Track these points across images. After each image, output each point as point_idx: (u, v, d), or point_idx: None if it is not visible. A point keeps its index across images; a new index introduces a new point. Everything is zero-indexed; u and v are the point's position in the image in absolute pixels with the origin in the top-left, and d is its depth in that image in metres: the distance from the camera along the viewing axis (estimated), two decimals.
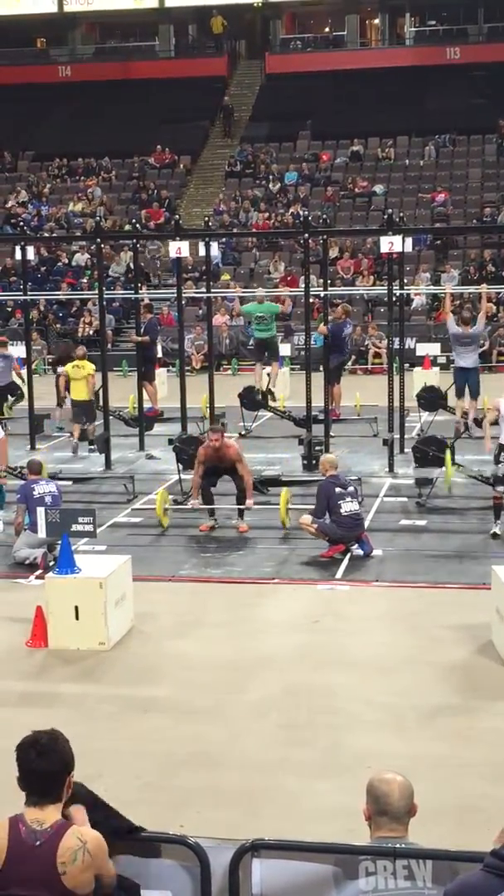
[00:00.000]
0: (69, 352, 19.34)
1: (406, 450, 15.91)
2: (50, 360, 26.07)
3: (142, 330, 18.66)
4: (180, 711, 8.25)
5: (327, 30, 44.22)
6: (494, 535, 12.27)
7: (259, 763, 7.38)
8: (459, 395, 16.93)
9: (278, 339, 21.52)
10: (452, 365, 17.43)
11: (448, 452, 13.26)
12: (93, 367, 17.75)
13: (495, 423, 12.92)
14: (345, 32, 42.72)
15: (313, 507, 12.17)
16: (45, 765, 4.03)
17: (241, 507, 13.04)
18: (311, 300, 17.32)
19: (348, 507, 11.91)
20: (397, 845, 4.14)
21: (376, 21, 43.51)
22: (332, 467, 12.25)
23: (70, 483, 14.76)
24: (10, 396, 19.36)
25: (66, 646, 9.42)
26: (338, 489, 11.93)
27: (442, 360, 23.67)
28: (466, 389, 16.81)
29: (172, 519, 13.36)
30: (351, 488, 12.15)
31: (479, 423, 15.86)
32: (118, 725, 8.07)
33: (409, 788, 4.18)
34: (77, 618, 9.46)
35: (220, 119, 39.64)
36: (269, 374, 19.91)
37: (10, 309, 31.38)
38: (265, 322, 19.33)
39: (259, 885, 4.29)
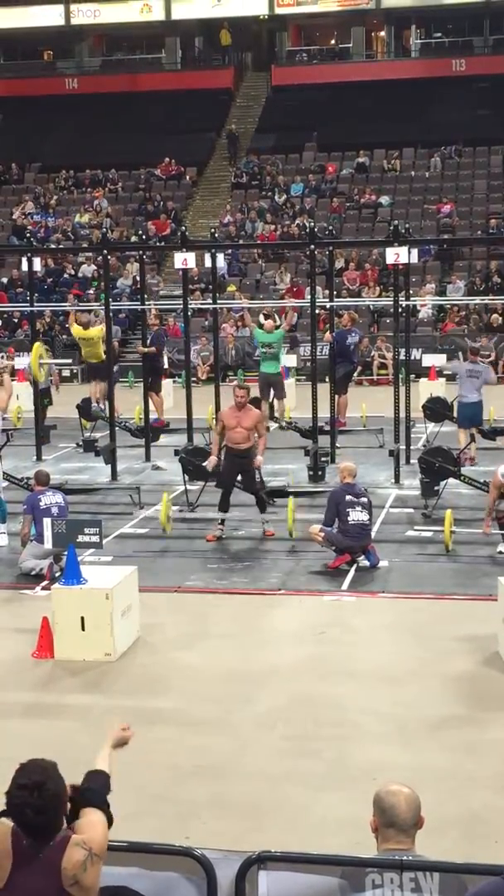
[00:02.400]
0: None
1: (412, 461, 15.90)
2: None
3: (148, 341, 18.70)
4: (186, 723, 8.24)
5: (333, 42, 44.37)
6: (501, 554, 12.20)
7: (265, 774, 7.37)
8: (464, 425, 16.65)
9: (283, 374, 20.97)
10: (458, 399, 16.89)
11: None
12: (100, 329, 18.16)
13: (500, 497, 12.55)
14: (350, 45, 42.86)
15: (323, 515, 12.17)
16: (43, 820, 3.85)
17: (266, 514, 13.20)
18: (317, 311, 17.33)
19: (357, 516, 11.88)
20: (404, 857, 4.13)
21: (382, 33, 43.65)
22: (349, 475, 12.19)
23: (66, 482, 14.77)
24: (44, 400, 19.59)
25: (72, 657, 9.41)
26: (349, 497, 11.90)
27: (448, 371, 23.66)
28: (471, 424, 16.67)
29: (178, 530, 13.35)
30: (364, 499, 12.12)
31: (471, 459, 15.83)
32: None
33: (416, 800, 4.17)
34: (83, 629, 9.46)
35: (225, 141, 39.67)
36: (270, 404, 19.70)
37: (16, 320, 31.44)
38: (272, 351, 19.00)
39: None
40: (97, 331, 18.71)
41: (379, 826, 4.18)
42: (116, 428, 17.01)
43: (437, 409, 17.91)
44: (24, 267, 18.15)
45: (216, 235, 20.81)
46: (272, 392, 18.79)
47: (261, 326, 18.53)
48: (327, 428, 17.05)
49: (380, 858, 4.16)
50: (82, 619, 9.46)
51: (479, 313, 30.12)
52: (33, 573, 11.71)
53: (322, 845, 5.81)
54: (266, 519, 13.31)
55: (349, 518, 11.84)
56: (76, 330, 19.50)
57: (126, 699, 8.76)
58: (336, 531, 11.94)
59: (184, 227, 28.66)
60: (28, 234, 21.53)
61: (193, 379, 19.79)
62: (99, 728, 8.11)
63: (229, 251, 31.58)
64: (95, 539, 10.11)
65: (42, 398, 20.04)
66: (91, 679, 9.14)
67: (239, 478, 13.28)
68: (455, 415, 17.12)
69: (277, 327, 18.48)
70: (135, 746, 7.84)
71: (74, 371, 27.67)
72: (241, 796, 7.08)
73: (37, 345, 17.78)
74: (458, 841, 6.22)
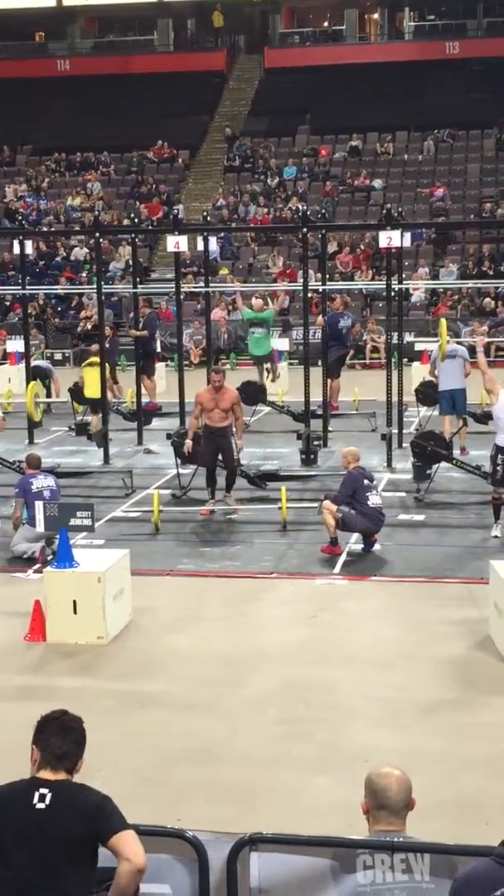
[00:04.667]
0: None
1: (404, 445, 15.89)
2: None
3: (140, 324, 18.64)
4: (178, 706, 8.25)
5: (326, 24, 44.18)
6: (496, 538, 12.20)
7: (257, 758, 7.38)
8: (447, 412, 15.82)
9: (275, 352, 21.05)
10: (439, 387, 15.86)
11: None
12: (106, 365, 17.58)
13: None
14: (344, 27, 42.68)
15: (333, 494, 12.03)
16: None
17: (231, 493, 13.29)
18: (309, 295, 17.30)
19: (375, 500, 11.85)
20: (395, 839, 4.14)
21: (375, 15, 43.51)
22: (354, 459, 12.10)
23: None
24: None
25: (64, 640, 9.42)
26: (365, 481, 11.88)
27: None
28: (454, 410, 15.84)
29: (170, 514, 13.35)
30: (376, 482, 12.11)
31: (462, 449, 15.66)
32: (116, 720, 8.07)
33: (407, 783, 4.19)
34: (75, 612, 9.46)
35: (218, 124, 39.53)
36: (268, 370, 19.86)
37: (8, 303, 31.35)
38: (261, 330, 18.98)
39: (257, 879, 4.30)
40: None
41: (370, 808, 4.20)
42: (109, 412, 17.00)
43: (429, 393, 17.85)
44: (16, 250, 18.06)
45: (208, 219, 20.75)
46: (267, 366, 18.82)
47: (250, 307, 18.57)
48: (320, 412, 17.04)
49: (371, 840, 4.18)
50: (74, 602, 9.46)
51: (471, 297, 30.10)
52: (25, 556, 11.71)
53: (314, 828, 5.82)
54: (228, 499, 13.41)
55: (369, 502, 11.78)
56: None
57: (118, 682, 8.78)
58: (355, 513, 11.83)
59: (177, 210, 28.62)
60: (19, 217, 21.44)
61: (186, 363, 19.77)
62: (90, 711, 8.14)
63: (222, 234, 31.49)
64: (87, 522, 10.12)
65: (42, 380, 20.04)
66: (83, 662, 9.15)
67: (219, 457, 13.43)
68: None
69: (267, 308, 18.48)
70: (126, 729, 7.90)
71: (67, 355, 27.63)
72: (233, 779, 7.10)
73: (31, 384, 17.64)
74: (449, 823, 6.24)
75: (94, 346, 18.78)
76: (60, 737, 4.24)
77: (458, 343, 17.44)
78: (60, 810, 4.10)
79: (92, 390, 17.36)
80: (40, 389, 18.64)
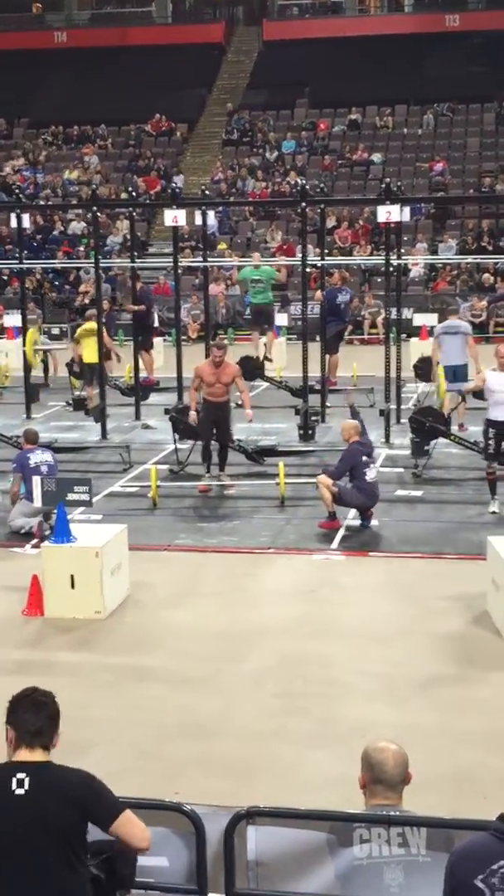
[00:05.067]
0: None
1: (402, 420, 15.88)
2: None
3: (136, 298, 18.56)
4: (175, 681, 8.27)
5: None
6: (493, 513, 12.20)
7: (254, 732, 7.40)
8: (448, 388, 15.57)
9: (275, 308, 21.44)
10: (440, 362, 15.71)
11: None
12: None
13: (479, 395, 12.59)
14: None
15: (329, 468, 12.01)
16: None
17: (224, 470, 13.35)
18: (307, 269, 17.24)
19: (371, 474, 11.85)
20: (392, 813, 4.16)
21: None
22: (356, 433, 12.02)
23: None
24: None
25: (61, 615, 9.43)
26: (364, 457, 11.85)
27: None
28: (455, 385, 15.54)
29: (168, 489, 13.35)
30: (375, 457, 12.09)
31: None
32: (114, 694, 8.09)
33: (403, 757, 4.20)
34: (73, 587, 9.48)
35: (216, 97, 39.28)
36: (265, 344, 19.85)
37: (5, 278, 31.25)
38: (261, 286, 19.20)
39: (254, 852, 4.32)
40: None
41: (367, 782, 4.21)
42: (107, 386, 16.97)
43: (427, 369, 17.82)
44: (13, 224, 17.96)
45: (207, 193, 20.64)
46: (263, 323, 18.82)
47: None
48: (318, 387, 17.02)
49: (367, 814, 4.20)
50: (72, 577, 9.47)
51: (470, 273, 30.01)
52: (23, 531, 11.71)
53: (310, 802, 5.85)
54: (221, 476, 13.39)
55: (367, 476, 11.77)
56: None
57: (115, 657, 8.79)
58: (351, 487, 11.83)
59: (175, 184, 28.47)
60: (17, 191, 21.29)
61: (184, 337, 19.71)
62: (88, 685, 8.17)
63: (220, 209, 31.35)
64: (85, 497, 10.12)
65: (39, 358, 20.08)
66: (81, 637, 9.16)
67: (214, 431, 13.35)
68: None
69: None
70: (124, 704, 7.92)
71: (64, 329, 27.55)
72: (230, 754, 7.12)
73: (30, 331, 17.61)
74: (445, 797, 6.26)
75: (90, 312, 18.68)
76: (33, 713, 4.17)
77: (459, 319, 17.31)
78: (41, 796, 4.00)
79: (89, 355, 17.28)
80: (38, 336, 18.42)
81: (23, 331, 18.64)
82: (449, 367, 15.61)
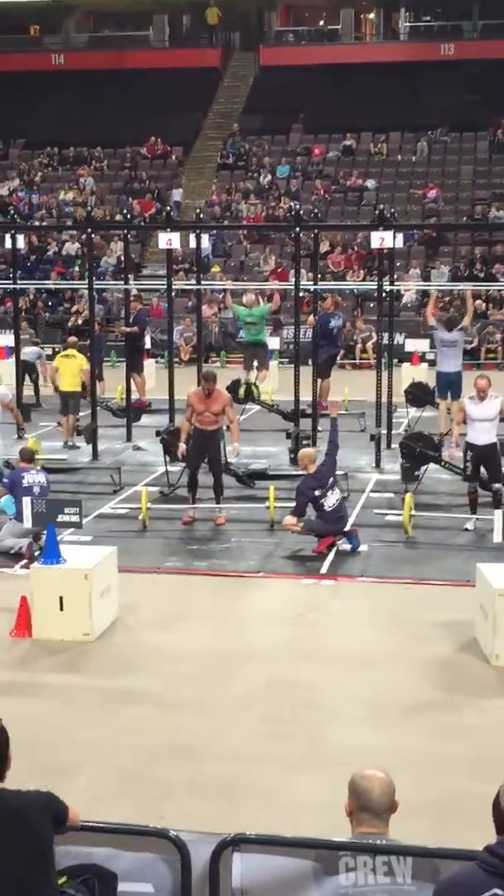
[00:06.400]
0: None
1: (393, 445, 15.92)
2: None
3: (131, 320, 18.62)
4: (163, 704, 8.25)
5: (322, 23, 44.13)
6: (466, 530, 12.38)
7: (241, 756, 7.39)
8: (443, 394, 16.95)
9: (268, 345, 21.17)
10: (436, 368, 17.26)
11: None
12: (84, 360, 17.59)
13: (463, 422, 12.89)
14: (339, 26, 42.64)
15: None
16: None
17: (221, 503, 13.13)
18: (300, 294, 17.30)
19: (330, 501, 11.94)
20: (378, 841, 4.15)
21: (371, 15, 43.47)
22: (310, 462, 12.23)
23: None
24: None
25: (50, 636, 9.41)
26: (317, 491, 11.93)
27: (430, 356, 23.65)
28: (449, 393, 16.77)
29: (158, 511, 13.34)
30: (331, 481, 12.13)
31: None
32: (101, 716, 8.07)
33: (390, 785, 4.19)
34: (62, 608, 9.46)
35: (212, 121, 39.52)
36: (257, 368, 19.83)
37: None
38: (255, 328, 19.06)
39: (239, 879, 4.31)
40: (81, 359, 17.84)
41: (354, 810, 4.20)
42: (98, 408, 16.98)
43: (419, 395, 17.91)
44: (8, 244, 18.01)
45: (201, 216, 20.71)
46: (255, 363, 18.82)
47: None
48: (309, 411, 17.05)
49: (353, 842, 4.18)
50: (61, 598, 9.45)
51: (462, 299, 30.09)
52: (12, 552, 11.70)
53: (297, 828, 5.84)
54: (220, 507, 13.19)
55: (325, 506, 11.89)
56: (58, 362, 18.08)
57: (103, 679, 8.77)
58: (315, 518, 11.96)
59: (169, 207, 28.59)
60: (12, 211, 21.36)
61: (176, 360, 19.75)
62: (76, 707, 8.15)
63: (214, 232, 31.46)
64: (75, 519, 10.11)
65: (29, 374, 20.10)
66: (69, 659, 9.14)
67: (205, 459, 13.24)
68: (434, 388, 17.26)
69: (260, 306, 18.47)
70: (111, 726, 7.90)
71: (57, 350, 27.50)
72: (217, 777, 7.10)
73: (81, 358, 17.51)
74: (432, 825, 6.25)
75: (72, 338, 18.78)
76: None
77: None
78: (11, 820, 3.90)
79: (67, 383, 17.32)
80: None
81: (15, 352, 18.65)
82: (444, 374, 16.69)
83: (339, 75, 37.44)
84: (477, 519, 12.51)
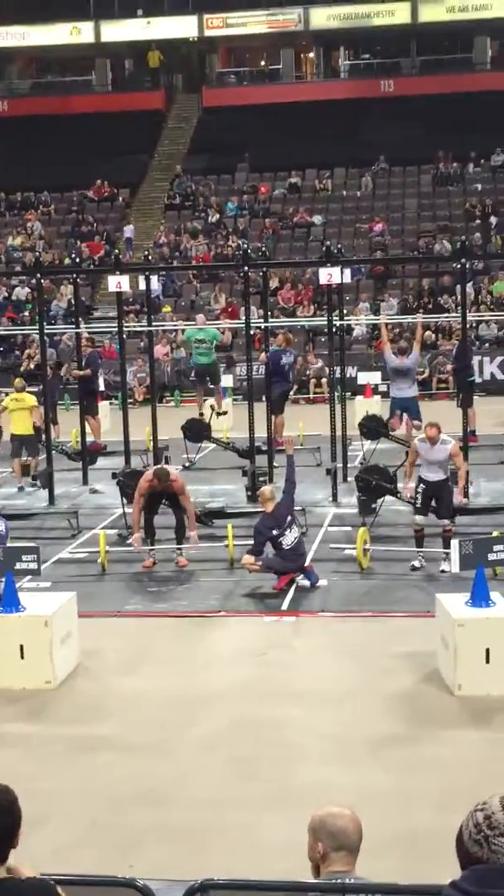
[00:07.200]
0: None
1: (349, 479, 15.99)
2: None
3: (83, 363, 18.61)
4: (128, 749, 8.20)
5: (263, 63, 44.67)
6: (414, 568, 12.40)
7: (208, 799, 7.35)
8: (393, 415, 17.46)
9: (220, 368, 21.57)
10: (390, 395, 17.64)
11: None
12: (33, 399, 17.60)
13: (416, 464, 12.99)
14: (280, 66, 43.17)
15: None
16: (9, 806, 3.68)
17: (183, 544, 13.01)
18: (252, 331, 17.42)
19: (288, 539, 11.98)
20: (347, 879, 4.13)
21: (311, 55, 44.04)
22: (268, 500, 12.28)
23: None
24: None
25: (10, 685, 9.32)
26: (274, 531, 11.96)
27: (383, 387, 23.82)
28: (404, 415, 17.27)
29: (117, 554, 13.29)
30: (289, 520, 12.16)
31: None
32: (65, 765, 8.00)
33: (358, 820, 4.18)
34: (22, 657, 9.38)
35: (157, 162, 39.78)
36: (212, 406, 19.93)
37: None
38: (205, 346, 19.36)
39: None
40: (31, 400, 17.71)
41: (327, 850, 4.17)
42: (53, 452, 16.92)
43: (373, 427, 18.03)
44: None
45: (150, 258, 20.79)
46: (208, 381, 18.91)
47: None
48: (264, 448, 17.08)
49: (322, 882, 4.16)
50: (21, 646, 9.38)
51: (412, 331, 30.39)
52: None
53: (267, 868, 5.81)
54: (180, 549, 13.05)
55: (283, 544, 11.94)
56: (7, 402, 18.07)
57: (66, 727, 8.70)
58: (273, 555, 12.01)
59: (119, 249, 28.70)
60: None
61: (130, 401, 19.75)
62: (38, 757, 8.06)
63: (164, 273, 31.58)
64: (33, 566, 10.05)
65: None
66: (31, 707, 9.06)
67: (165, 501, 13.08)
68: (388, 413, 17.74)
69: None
70: (75, 774, 7.83)
71: (9, 394, 27.40)
72: (185, 822, 7.06)
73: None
74: (399, 861, 6.25)
75: (18, 381, 18.59)
76: None
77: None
78: None
79: (18, 427, 17.26)
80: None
81: None
82: (397, 399, 17.21)
83: (281, 114, 37.84)
84: (422, 557, 12.50)
